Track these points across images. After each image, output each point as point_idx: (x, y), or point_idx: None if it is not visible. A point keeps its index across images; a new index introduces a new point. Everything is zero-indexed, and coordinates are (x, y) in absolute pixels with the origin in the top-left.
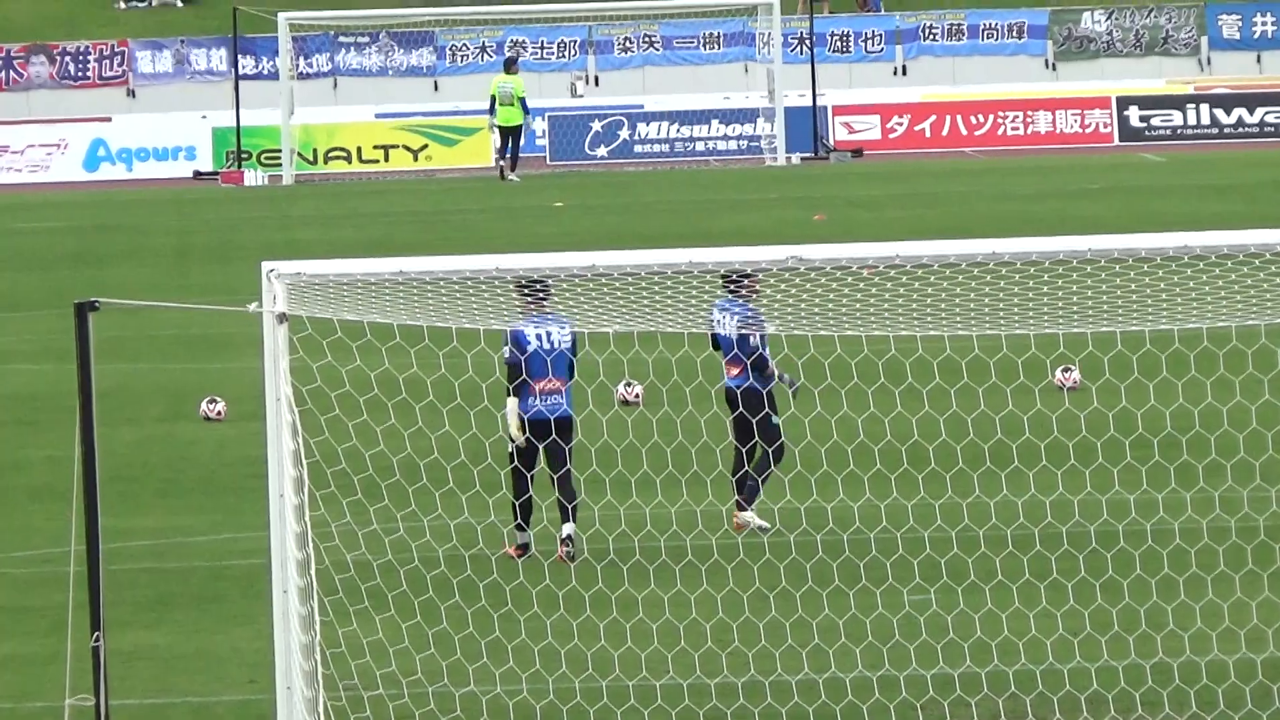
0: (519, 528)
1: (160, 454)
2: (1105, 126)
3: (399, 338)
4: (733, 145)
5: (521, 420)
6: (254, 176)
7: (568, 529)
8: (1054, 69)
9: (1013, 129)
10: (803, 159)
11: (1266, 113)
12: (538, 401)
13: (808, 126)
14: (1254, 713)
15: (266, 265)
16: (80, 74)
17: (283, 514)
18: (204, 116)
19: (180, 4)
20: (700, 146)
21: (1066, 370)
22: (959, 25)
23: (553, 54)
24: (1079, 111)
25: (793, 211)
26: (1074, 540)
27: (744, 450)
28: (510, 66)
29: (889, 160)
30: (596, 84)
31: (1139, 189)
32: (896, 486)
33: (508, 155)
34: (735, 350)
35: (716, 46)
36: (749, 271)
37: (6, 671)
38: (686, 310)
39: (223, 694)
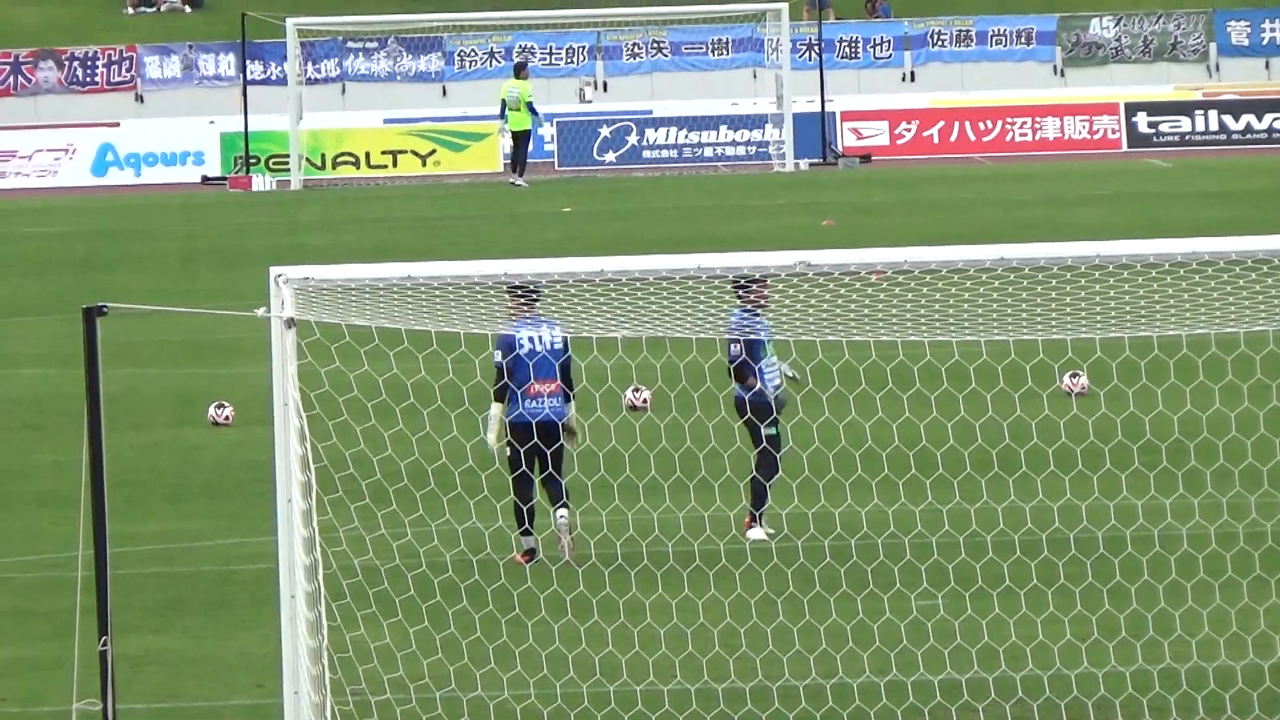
0: (525, 533)
1: (168, 459)
2: (1113, 132)
3: (406, 343)
4: (741, 151)
5: (503, 426)
6: (262, 182)
7: (561, 513)
8: (1062, 75)
9: (1021, 135)
10: (811, 165)
11: (1275, 119)
12: (531, 404)
13: (816, 132)
14: (1261, 718)
15: (274, 270)
16: (88, 79)
17: (290, 519)
18: (212, 122)
19: (188, 9)
20: (708, 152)
21: (1074, 376)
22: (967, 31)
23: (561, 59)
24: (1087, 117)
25: (801, 217)
26: (1081, 546)
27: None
28: (519, 72)
29: (897, 166)
30: (605, 90)
31: (1147, 195)
32: (904, 492)
33: (515, 160)
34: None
35: (725, 52)
36: (751, 280)
37: (13, 676)
38: (695, 316)
39: (230, 699)
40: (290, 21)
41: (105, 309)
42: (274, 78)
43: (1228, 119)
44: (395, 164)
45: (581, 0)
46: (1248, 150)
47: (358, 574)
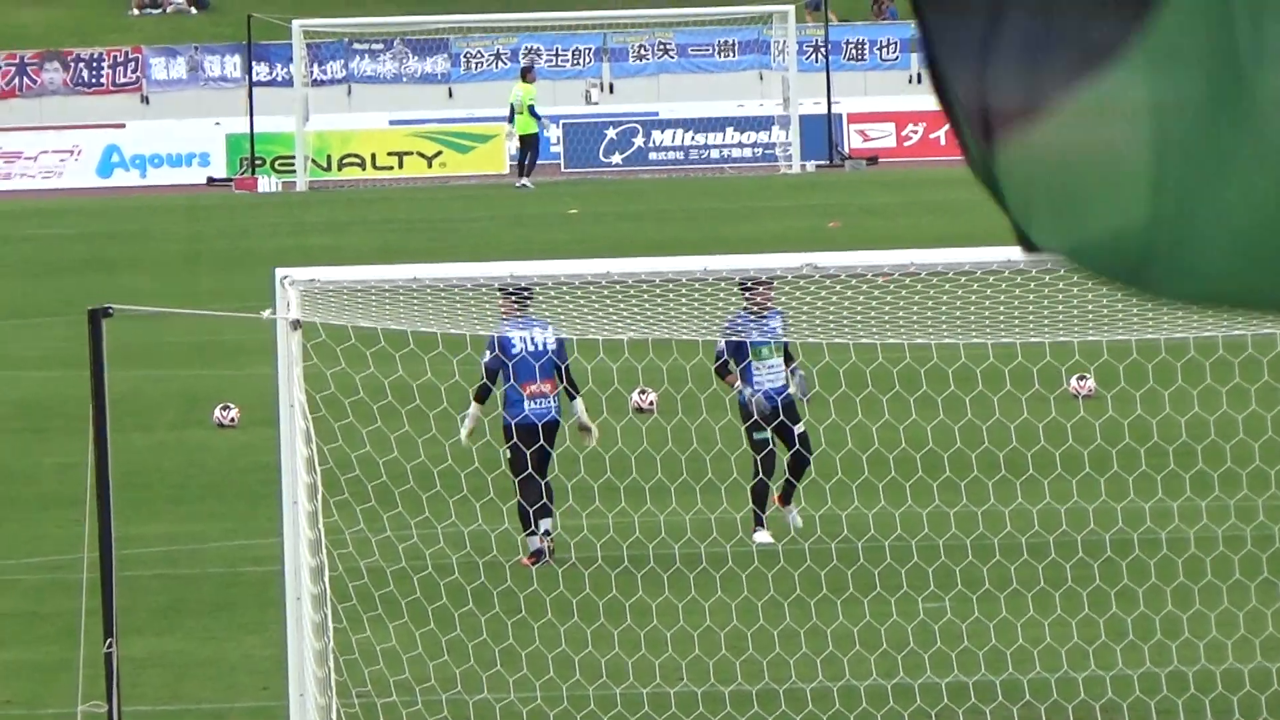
0: (531, 534)
1: (173, 461)
2: None
3: (412, 344)
4: (747, 153)
5: (476, 427)
6: (268, 183)
7: (546, 523)
8: None
9: None
10: (817, 167)
11: None
12: (528, 405)
13: (822, 134)
14: None
15: (280, 272)
16: (94, 80)
17: (296, 520)
18: (218, 123)
19: (194, 11)
20: (715, 154)
21: (1081, 378)
22: None
23: (567, 61)
24: None
25: (807, 220)
26: (1089, 548)
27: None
28: (525, 75)
29: (904, 168)
30: (611, 91)
31: None
32: (911, 494)
33: (523, 163)
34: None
35: (731, 54)
36: (756, 282)
37: (19, 678)
38: (701, 318)
39: (235, 701)
40: (296, 23)
41: (110, 311)
42: (279, 79)
43: None
44: (401, 165)
45: (588, 2)
46: None
47: (363, 576)
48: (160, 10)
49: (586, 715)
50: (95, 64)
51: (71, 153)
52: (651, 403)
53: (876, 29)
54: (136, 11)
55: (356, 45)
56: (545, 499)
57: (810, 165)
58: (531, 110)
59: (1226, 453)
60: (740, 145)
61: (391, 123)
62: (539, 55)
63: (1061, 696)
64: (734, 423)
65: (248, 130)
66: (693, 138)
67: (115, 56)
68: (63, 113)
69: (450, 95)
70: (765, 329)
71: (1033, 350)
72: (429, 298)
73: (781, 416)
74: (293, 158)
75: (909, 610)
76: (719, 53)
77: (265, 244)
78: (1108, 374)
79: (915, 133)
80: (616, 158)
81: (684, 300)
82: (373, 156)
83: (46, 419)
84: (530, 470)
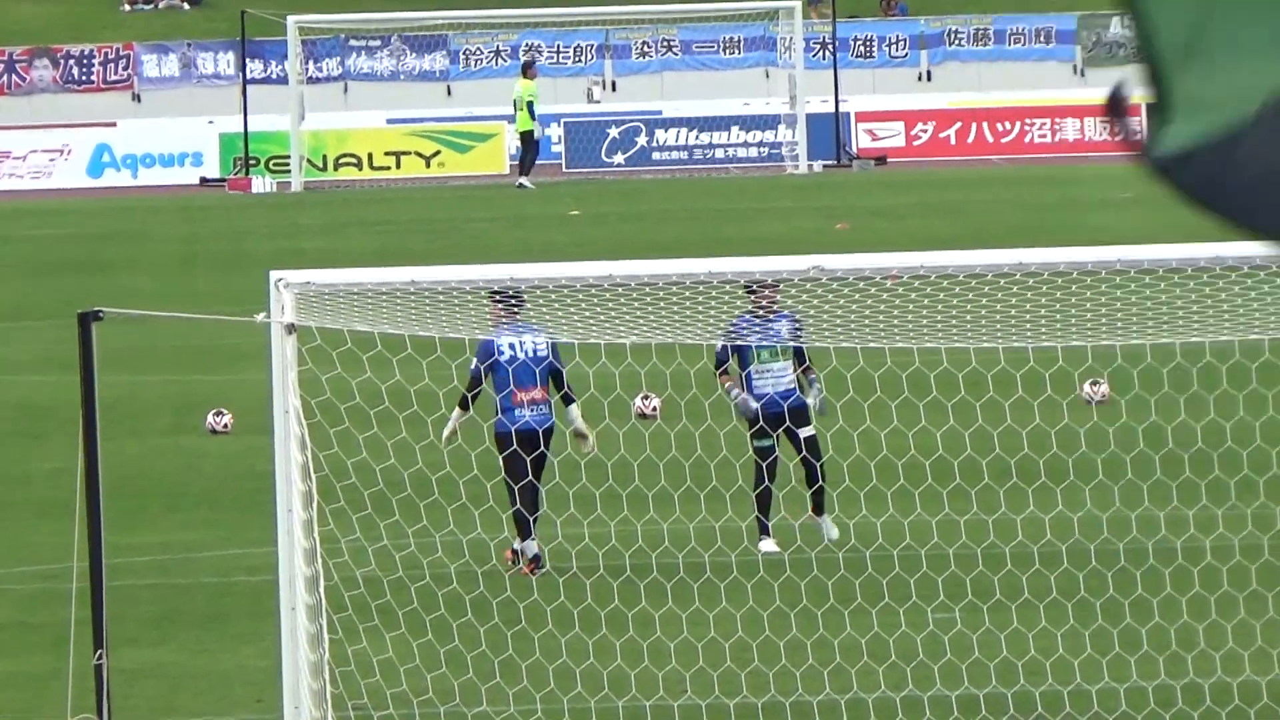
0: (529, 539)
1: (165, 467)
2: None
3: (410, 349)
4: (753, 152)
5: (455, 431)
6: (262, 183)
7: (534, 547)
8: (1083, 75)
9: (1040, 136)
10: (825, 167)
11: None
12: (525, 412)
13: (830, 133)
14: None
15: (274, 274)
16: (84, 78)
17: (291, 529)
18: (211, 122)
19: (186, 6)
20: (720, 154)
21: (1095, 383)
22: (985, 30)
23: (569, 58)
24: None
25: (814, 221)
26: (1102, 558)
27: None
28: (524, 71)
29: (913, 168)
30: (613, 89)
31: (1169, 198)
32: (920, 502)
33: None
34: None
35: (737, 51)
36: (762, 284)
37: (8, 689)
38: (705, 321)
39: (229, 713)
40: (291, 19)
41: (101, 314)
42: (274, 77)
43: None
44: (398, 165)
45: None
46: None
47: (360, 586)
48: (152, 6)
49: None
50: (86, 61)
51: (61, 152)
52: (655, 408)
53: (885, 25)
54: (128, 7)
55: (353, 42)
56: (538, 507)
57: (817, 165)
58: (529, 107)
59: (1243, 460)
60: (746, 145)
61: (389, 121)
62: (540, 52)
63: (1074, 709)
64: (739, 428)
65: (241, 129)
66: (697, 137)
67: (106, 53)
68: (52, 111)
69: (449, 93)
70: (770, 332)
71: (1045, 355)
72: (427, 301)
73: (788, 421)
74: (287, 157)
75: (918, 621)
76: (724, 50)
77: (259, 246)
78: (1122, 379)
79: (925, 132)
80: (619, 157)
81: (688, 303)
82: (369, 156)
83: (39, 423)
84: (530, 478)
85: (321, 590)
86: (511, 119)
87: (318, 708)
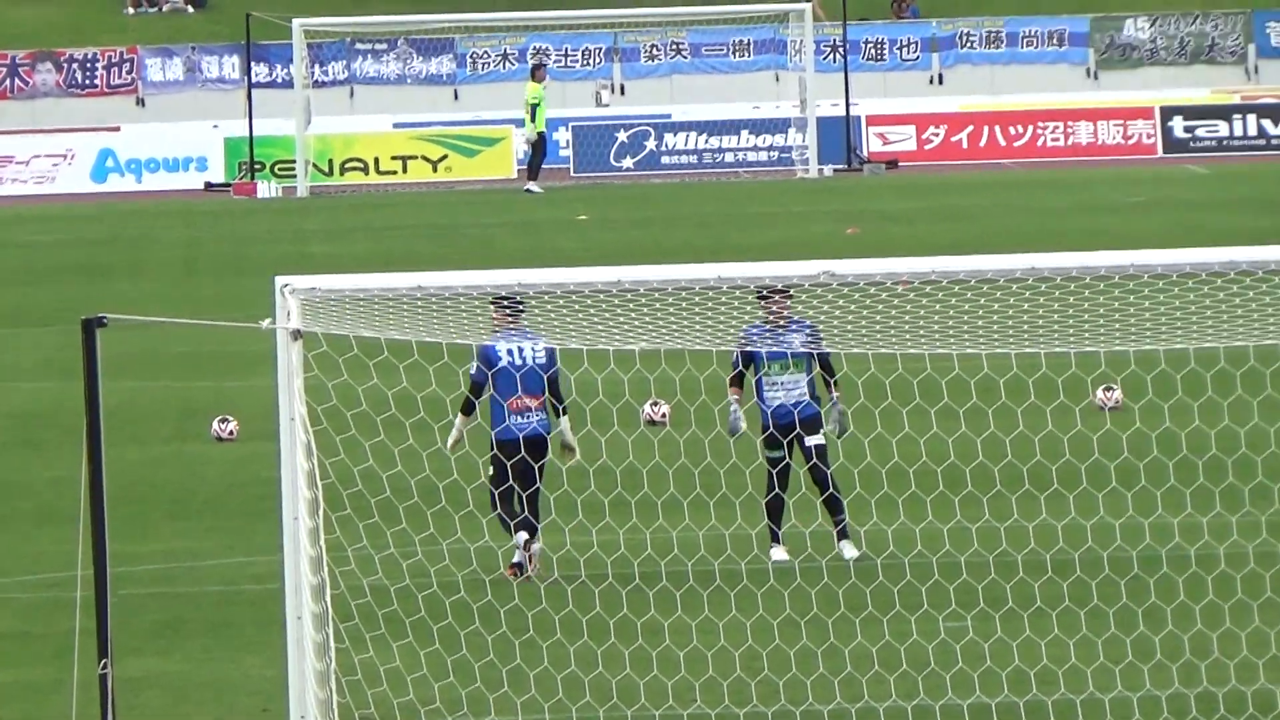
0: (517, 529)
1: (170, 475)
2: (1148, 137)
3: (417, 355)
4: (763, 156)
5: (461, 438)
6: (267, 188)
7: (520, 555)
8: (1095, 78)
9: (1053, 140)
10: (835, 171)
11: None
12: (517, 419)
13: (840, 137)
14: None
15: (280, 280)
16: (88, 82)
17: (297, 537)
18: (215, 126)
19: (191, 10)
20: (729, 158)
21: (1108, 389)
22: (997, 33)
23: (577, 62)
24: (1121, 122)
25: (825, 225)
26: (1115, 565)
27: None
28: (532, 74)
29: (924, 172)
30: (622, 93)
31: (1183, 202)
32: (932, 509)
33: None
34: None
35: (746, 54)
36: (774, 291)
37: (12, 699)
38: (715, 327)
39: None
40: (296, 22)
41: (105, 320)
42: (279, 80)
43: (1267, 123)
44: (405, 170)
45: (598, 0)
46: None
47: (366, 594)
48: (156, 9)
49: None
50: (89, 65)
51: (65, 157)
52: (664, 415)
53: (896, 28)
54: (132, 10)
55: (359, 45)
56: (530, 513)
57: (828, 169)
58: (533, 110)
59: (1258, 466)
60: (756, 148)
61: (395, 126)
62: (547, 55)
63: (1088, 718)
64: (749, 435)
65: (247, 133)
66: (706, 141)
67: (110, 57)
68: (55, 115)
69: (456, 97)
70: (782, 342)
71: (1058, 360)
72: (434, 307)
73: (798, 429)
74: (293, 162)
75: (930, 629)
76: (734, 53)
77: (265, 251)
78: (1135, 385)
79: (936, 136)
80: (628, 161)
81: (697, 309)
82: (376, 161)
83: (41, 431)
84: (511, 483)
85: (328, 599)
86: (521, 123)
87: (324, 717)
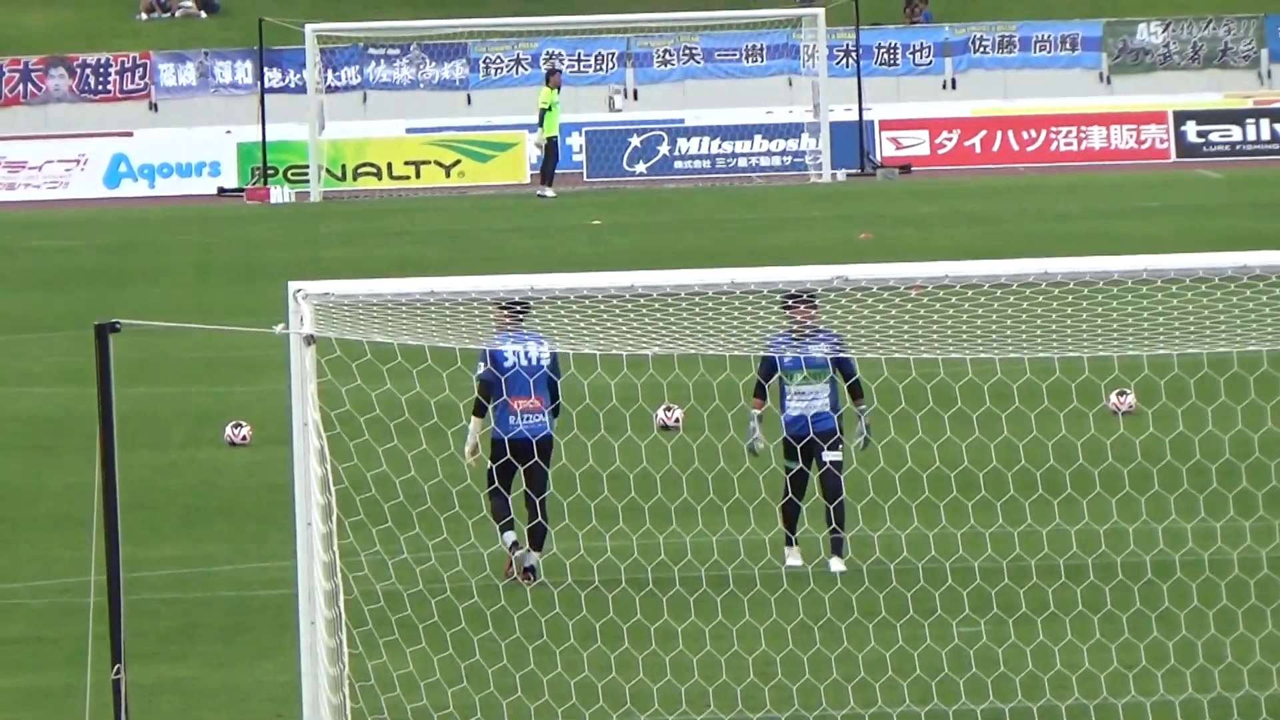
0: (506, 530)
1: (183, 480)
2: (1162, 142)
3: (430, 360)
4: (776, 161)
5: (477, 443)
6: (280, 193)
7: (532, 558)
8: (1109, 82)
9: (1066, 144)
10: (848, 175)
11: None
12: (519, 420)
13: (854, 142)
14: None
15: (293, 285)
16: (101, 87)
17: (310, 543)
18: (228, 131)
19: (204, 15)
20: (742, 163)
21: (1121, 394)
22: (1010, 37)
23: (590, 67)
24: (1134, 126)
25: (838, 230)
26: (1129, 571)
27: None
28: (546, 79)
29: (938, 177)
30: (635, 98)
31: (1196, 207)
32: (945, 514)
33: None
34: None
35: (759, 59)
36: (800, 300)
37: (25, 705)
38: (728, 332)
39: None
40: (309, 27)
41: (118, 325)
42: (292, 85)
43: None
44: (418, 175)
45: (611, 5)
46: None
47: (380, 599)
48: (169, 14)
49: None
50: (102, 70)
51: (78, 162)
52: (677, 420)
53: (909, 33)
54: (145, 16)
55: (372, 50)
56: (540, 518)
57: (841, 174)
58: (542, 115)
59: (1271, 471)
60: (769, 153)
61: (408, 131)
62: (561, 60)
63: None
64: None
65: (259, 139)
66: (720, 145)
67: (123, 62)
68: (68, 121)
69: (469, 102)
70: (806, 352)
71: (1071, 365)
72: (447, 312)
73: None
74: (306, 167)
75: (943, 635)
76: (747, 57)
77: (278, 256)
78: (1148, 390)
79: (950, 140)
80: (641, 166)
81: (711, 314)
82: (389, 166)
83: (53, 436)
84: (503, 484)
85: (341, 604)
86: (534, 128)
87: None
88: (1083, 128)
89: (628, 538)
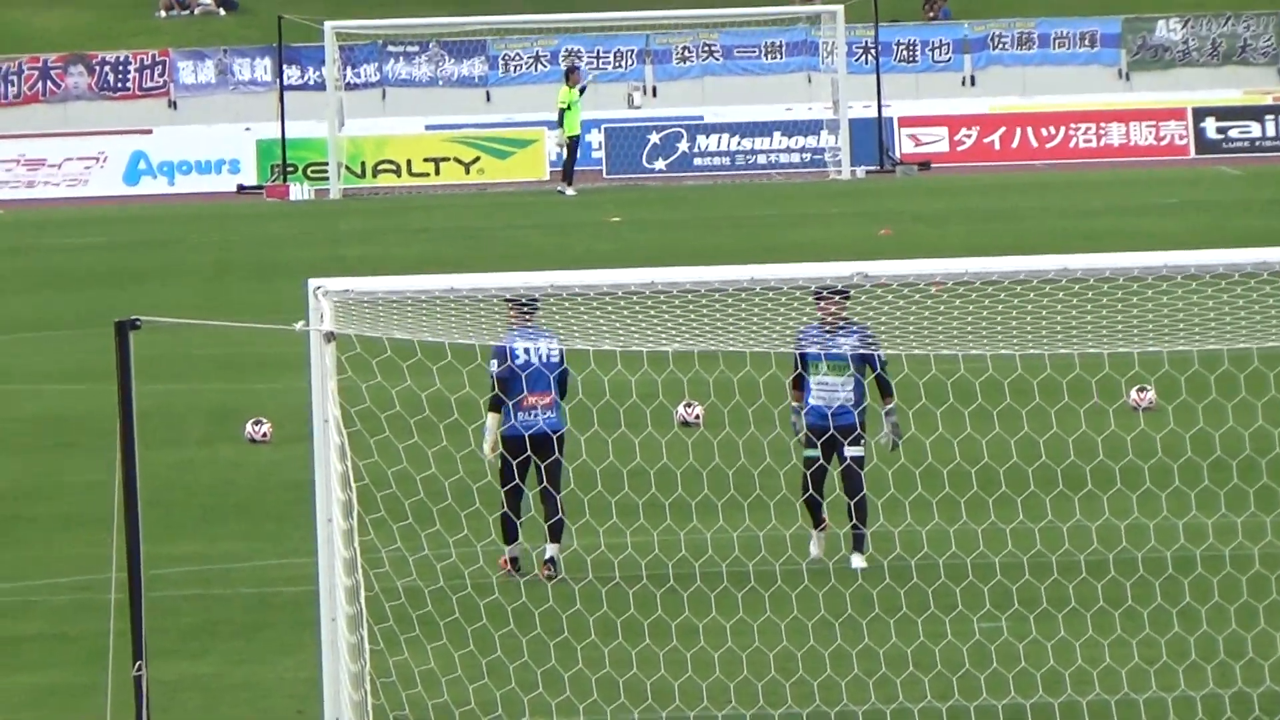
0: (511, 541)
1: (203, 477)
2: (1181, 138)
3: (450, 356)
4: (795, 158)
5: (497, 438)
6: (300, 190)
7: (551, 550)
8: (1127, 79)
9: (1085, 141)
10: (868, 172)
11: None
12: (526, 416)
13: (873, 138)
14: None
15: (313, 282)
16: (120, 85)
17: (331, 539)
18: (248, 128)
19: (222, 12)
20: (762, 159)
21: (1141, 390)
22: (1029, 34)
23: (609, 64)
24: (1153, 123)
25: (858, 227)
26: (1150, 566)
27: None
28: (565, 76)
29: (957, 174)
30: (654, 95)
31: (1216, 203)
32: (966, 510)
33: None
34: None
35: (778, 56)
36: (833, 293)
37: (46, 703)
38: (748, 329)
39: None
40: (328, 25)
41: (138, 323)
42: (312, 83)
43: None
44: (438, 172)
45: (630, 2)
46: None
47: (401, 596)
48: (188, 12)
49: None
50: (121, 67)
51: (97, 160)
52: (698, 416)
53: (928, 30)
54: (163, 13)
55: (391, 47)
56: (559, 513)
57: (860, 171)
58: (561, 114)
59: None
60: (788, 150)
61: (428, 128)
62: (580, 57)
63: (1122, 719)
64: (783, 436)
65: (279, 136)
66: (739, 142)
67: (142, 60)
68: (88, 118)
69: (488, 99)
70: (829, 345)
71: (1091, 361)
72: (467, 309)
73: (834, 433)
74: (325, 164)
75: (964, 630)
76: (766, 54)
77: (297, 254)
78: (1169, 385)
79: (969, 137)
80: (660, 163)
81: (730, 311)
82: (408, 163)
83: (72, 434)
84: (515, 481)
85: (362, 601)
86: (554, 125)
87: (359, 719)
88: (1102, 124)
89: (649, 534)
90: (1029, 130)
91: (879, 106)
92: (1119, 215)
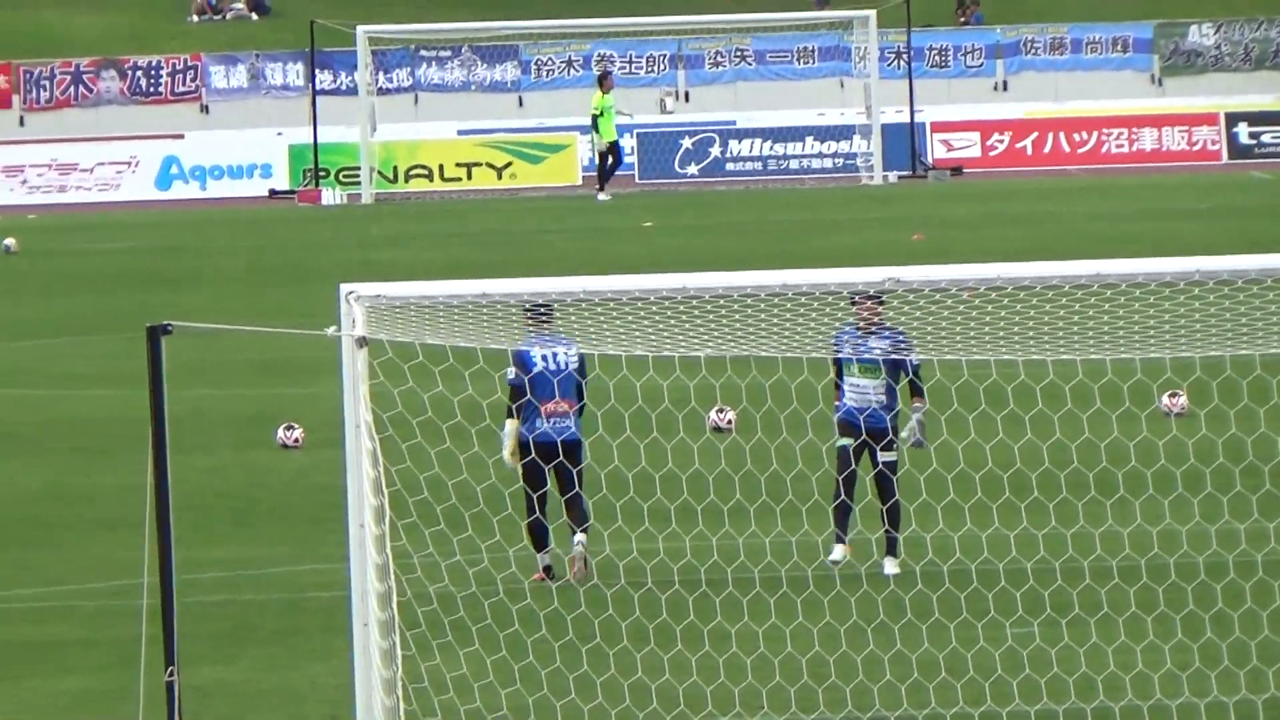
0: (542, 550)
1: (235, 482)
2: (1213, 144)
3: (482, 362)
4: (828, 163)
5: (518, 444)
6: (332, 195)
7: (579, 537)
8: (1160, 84)
9: (1117, 146)
10: (900, 177)
11: None
12: (545, 424)
13: (905, 144)
14: None
15: (345, 287)
16: (152, 89)
17: (363, 545)
18: (280, 133)
19: (255, 17)
20: (794, 165)
21: (1174, 395)
22: (1062, 39)
23: (642, 69)
24: (1186, 128)
25: (890, 232)
26: (1182, 572)
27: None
28: (599, 82)
29: (989, 179)
30: (687, 100)
31: (1248, 209)
32: (998, 516)
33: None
34: None
35: (811, 61)
36: (867, 296)
37: (78, 708)
38: (780, 334)
39: None
40: (361, 29)
41: (170, 328)
42: (344, 87)
43: None
44: (470, 177)
45: (663, 7)
46: None
47: (433, 601)
48: (220, 16)
49: None
50: (153, 72)
51: (129, 164)
52: (730, 421)
53: (960, 35)
54: (195, 18)
55: (423, 52)
56: (571, 517)
57: (892, 176)
58: (593, 120)
59: None
60: (820, 155)
61: (460, 133)
62: (612, 62)
63: None
64: (815, 441)
65: (311, 140)
66: (771, 148)
67: (174, 64)
68: (120, 123)
69: (520, 104)
70: (862, 347)
71: (1123, 367)
72: (499, 314)
73: (865, 437)
74: (358, 169)
75: (996, 636)
76: (798, 60)
77: (329, 258)
78: (1201, 391)
79: (1001, 142)
80: (692, 168)
81: (762, 316)
82: (440, 168)
83: (105, 439)
84: (532, 485)
85: (394, 606)
86: (586, 130)
87: None
88: (1134, 129)
89: (681, 539)
90: (1061, 135)
91: (911, 112)
92: (1151, 220)
